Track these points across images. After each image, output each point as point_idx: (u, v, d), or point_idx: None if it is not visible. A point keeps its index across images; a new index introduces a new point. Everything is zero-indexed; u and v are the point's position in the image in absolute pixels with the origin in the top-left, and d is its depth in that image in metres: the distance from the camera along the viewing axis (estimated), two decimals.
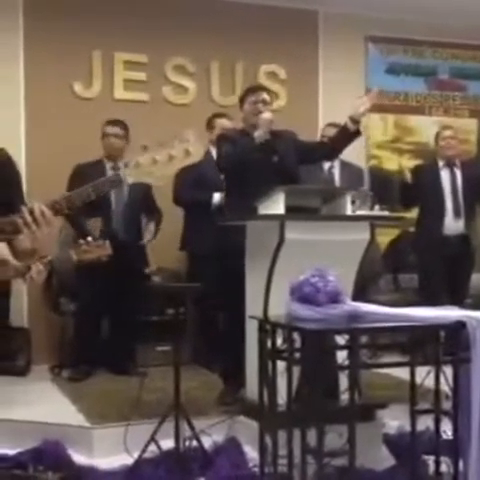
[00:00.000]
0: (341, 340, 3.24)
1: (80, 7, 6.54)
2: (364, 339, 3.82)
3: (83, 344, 5.74)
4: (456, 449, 3.46)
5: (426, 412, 3.71)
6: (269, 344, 3.41)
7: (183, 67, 6.88)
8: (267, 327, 3.44)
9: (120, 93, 6.71)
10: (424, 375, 3.56)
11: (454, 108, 7.81)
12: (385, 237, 6.85)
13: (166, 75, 6.83)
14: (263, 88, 4.98)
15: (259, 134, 4.62)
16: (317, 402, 3.10)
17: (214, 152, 5.40)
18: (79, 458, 4.03)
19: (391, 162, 7.59)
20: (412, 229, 6.59)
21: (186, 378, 4.17)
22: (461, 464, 3.41)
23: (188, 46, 6.79)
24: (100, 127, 5.87)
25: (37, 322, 6.28)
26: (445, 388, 3.53)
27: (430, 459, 3.75)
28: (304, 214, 4.26)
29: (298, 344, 3.21)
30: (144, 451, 3.90)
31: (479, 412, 3.12)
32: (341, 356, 3.26)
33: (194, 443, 4.01)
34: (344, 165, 6.11)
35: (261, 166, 4.57)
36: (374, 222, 4.37)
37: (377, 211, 4.73)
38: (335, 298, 3.28)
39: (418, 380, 3.61)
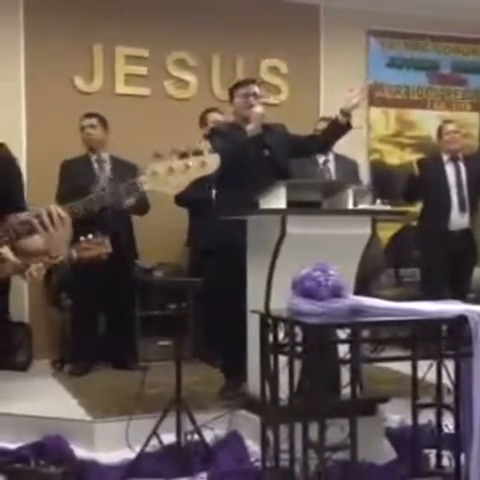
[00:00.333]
0: (343, 334, 3.24)
1: (81, 1, 6.53)
2: (366, 333, 3.82)
3: (80, 339, 5.76)
4: (458, 443, 3.47)
5: (428, 406, 3.72)
6: (271, 338, 3.41)
7: (184, 61, 6.88)
8: (269, 321, 3.44)
9: (121, 87, 6.71)
10: (426, 369, 3.56)
11: (456, 102, 7.80)
12: (387, 231, 6.84)
13: (167, 69, 6.82)
14: (253, 81, 4.97)
15: (251, 128, 4.63)
16: (319, 396, 3.10)
17: None
18: (81, 452, 4.02)
19: (393, 156, 7.58)
20: (414, 223, 6.58)
21: (188, 372, 4.17)
22: (463, 458, 3.42)
23: (189, 40, 6.78)
24: None
25: (38, 317, 6.28)
26: (447, 382, 3.54)
27: (432, 453, 3.76)
28: (306, 208, 4.26)
29: (300, 338, 3.21)
30: (146, 445, 3.90)
31: None
32: (343, 350, 3.26)
33: (196, 437, 4.01)
34: (338, 158, 6.08)
35: (252, 160, 4.59)
36: (376, 216, 4.37)
37: (379, 205, 4.73)
38: (337, 292, 3.28)
39: (420, 374, 3.62)
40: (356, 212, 4.36)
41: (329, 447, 3.08)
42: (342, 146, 5.60)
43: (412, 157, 7.27)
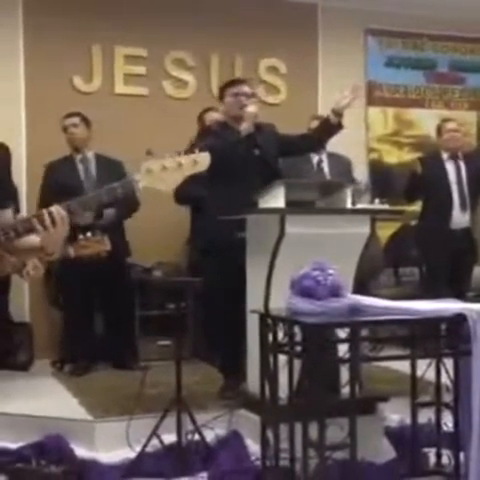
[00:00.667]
0: (342, 333, 3.25)
1: (79, 2, 6.53)
2: (365, 332, 3.83)
3: (75, 338, 5.77)
4: (457, 441, 3.48)
5: (427, 405, 3.73)
6: (270, 338, 3.42)
7: (183, 61, 6.88)
8: (268, 321, 3.45)
9: (120, 87, 6.71)
10: (425, 368, 3.58)
11: (454, 101, 7.80)
12: (386, 230, 6.85)
13: (166, 69, 6.83)
14: (243, 81, 4.98)
15: (245, 127, 4.65)
16: (318, 395, 3.11)
17: None
18: (81, 452, 4.02)
19: (391, 155, 7.58)
20: (414, 223, 6.58)
21: (187, 372, 4.18)
22: (462, 456, 3.43)
23: (188, 40, 6.78)
24: (100, 121, 5.88)
25: (39, 317, 6.29)
26: (446, 381, 3.55)
27: (431, 452, 3.77)
28: (305, 208, 4.27)
29: (299, 338, 3.22)
30: (146, 445, 3.91)
31: None
32: (342, 349, 3.27)
33: (196, 437, 4.02)
34: (332, 157, 6.03)
35: (243, 159, 4.60)
36: (375, 216, 4.37)
37: (378, 205, 4.74)
38: (335, 291, 3.29)
39: (419, 373, 3.63)
40: (355, 211, 4.37)
41: (329, 446, 3.09)
42: (341, 145, 5.63)
43: (410, 156, 7.29)
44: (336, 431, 3.08)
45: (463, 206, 6.22)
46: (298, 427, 3.21)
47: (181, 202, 5.90)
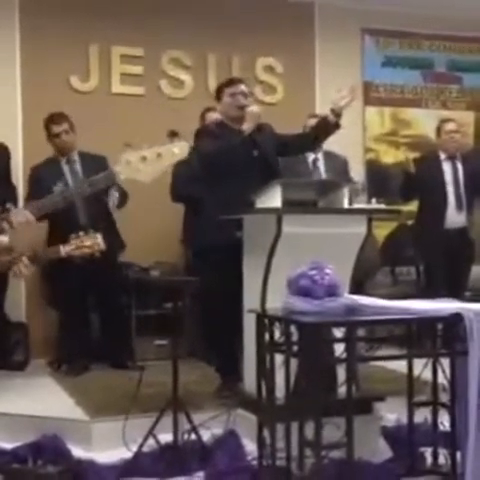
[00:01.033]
0: (338, 333, 3.25)
1: (76, 2, 6.53)
2: (361, 332, 3.83)
3: (72, 339, 5.76)
4: (454, 441, 3.48)
5: (424, 404, 3.73)
6: (267, 337, 3.41)
7: (180, 60, 6.88)
8: (265, 320, 3.45)
9: (117, 87, 6.71)
10: (421, 367, 3.58)
11: (451, 101, 7.81)
12: (382, 230, 6.86)
13: (163, 68, 6.83)
14: (240, 80, 4.97)
15: (247, 127, 4.63)
16: (315, 395, 3.10)
17: None
18: (78, 452, 4.02)
19: (388, 155, 7.59)
20: (410, 222, 6.59)
21: (184, 372, 4.17)
22: (459, 456, 3.43)
23: (184, 39, 6.78)
24: (97, 121, 5.88)
25: (35, 317, 6.28)
26: (442, 380, 3.55)
27: (428, 451, 3.77)
28: (301, 207, 4.27)
29: (296, 337, 3.22)
30: (142, 445, 3.90)
31: (476, 404, 3.12)
32: (338, 349, 3.27)
33: (192, 437, 4.01)
34: (328, 156, 6.02)
35: (242, 159, 4.58)
36: (372, 215, 4.37)
37: (374, 204, 4.74)
38: (332, 291, 3.28)
39: (415, 372, 3.63)
40: (352, 211, 4.37)
41: (325, 446, 3.08)
42: (338, 145, 5.63)
43: (407, 156, 7.28)
44: (333, 430, 3.08)
45: (459, 206, 6.23)
46: (295, 426, 3.21)
47: (177, 200, 5.91)
